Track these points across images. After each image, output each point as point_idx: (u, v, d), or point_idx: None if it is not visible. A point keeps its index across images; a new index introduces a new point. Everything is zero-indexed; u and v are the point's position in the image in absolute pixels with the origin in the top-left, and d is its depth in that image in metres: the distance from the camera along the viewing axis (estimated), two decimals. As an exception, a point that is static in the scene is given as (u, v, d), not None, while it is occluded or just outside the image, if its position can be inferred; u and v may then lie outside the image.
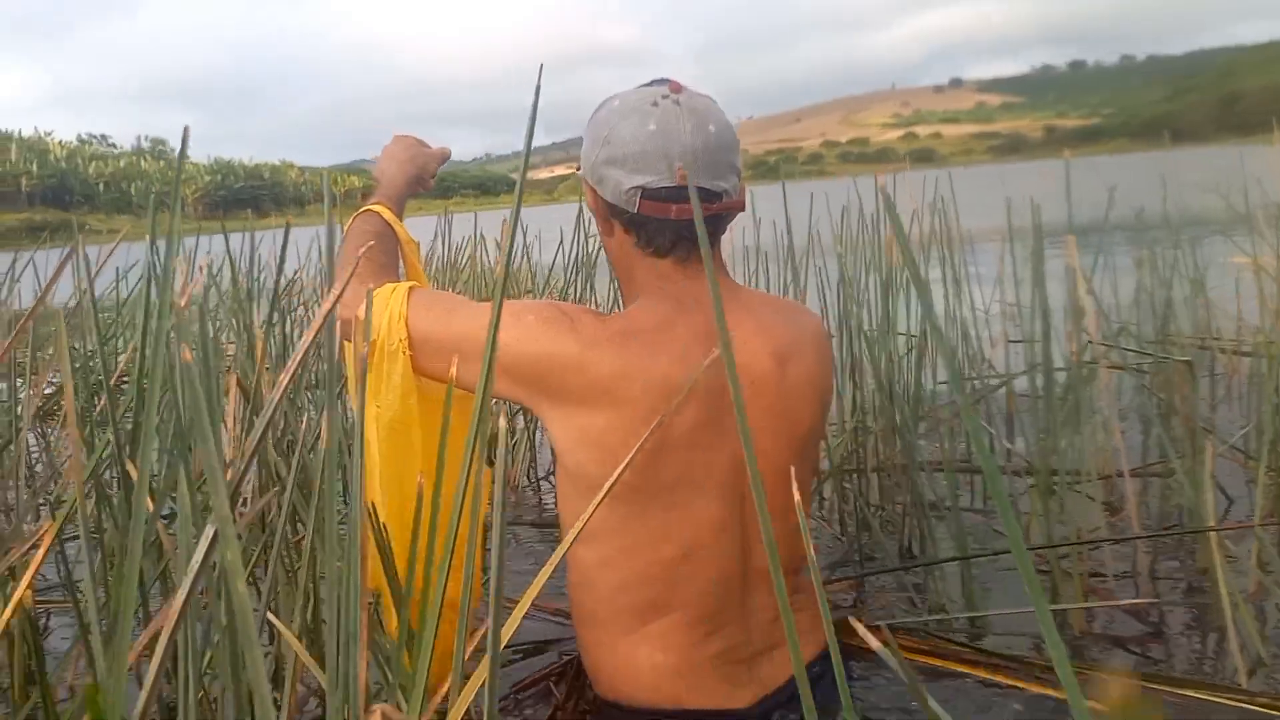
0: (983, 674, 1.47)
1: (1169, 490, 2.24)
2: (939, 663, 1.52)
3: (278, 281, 1.89)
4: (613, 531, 1.23)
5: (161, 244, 1.37)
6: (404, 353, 1.28)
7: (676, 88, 1.26)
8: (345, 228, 1.49)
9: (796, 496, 0.68)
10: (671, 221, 1.23)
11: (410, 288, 1.32)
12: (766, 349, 1.26)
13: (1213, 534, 1.62)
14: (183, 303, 0.74)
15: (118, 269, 3.68)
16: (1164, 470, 2.26)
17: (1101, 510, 2.21)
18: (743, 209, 1.30)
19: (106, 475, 1.48)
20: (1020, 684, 1.43)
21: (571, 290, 3.23)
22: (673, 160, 1.21)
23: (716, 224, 1.28)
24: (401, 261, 1.51)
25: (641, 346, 1.20)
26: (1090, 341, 2.09)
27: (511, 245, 0.82)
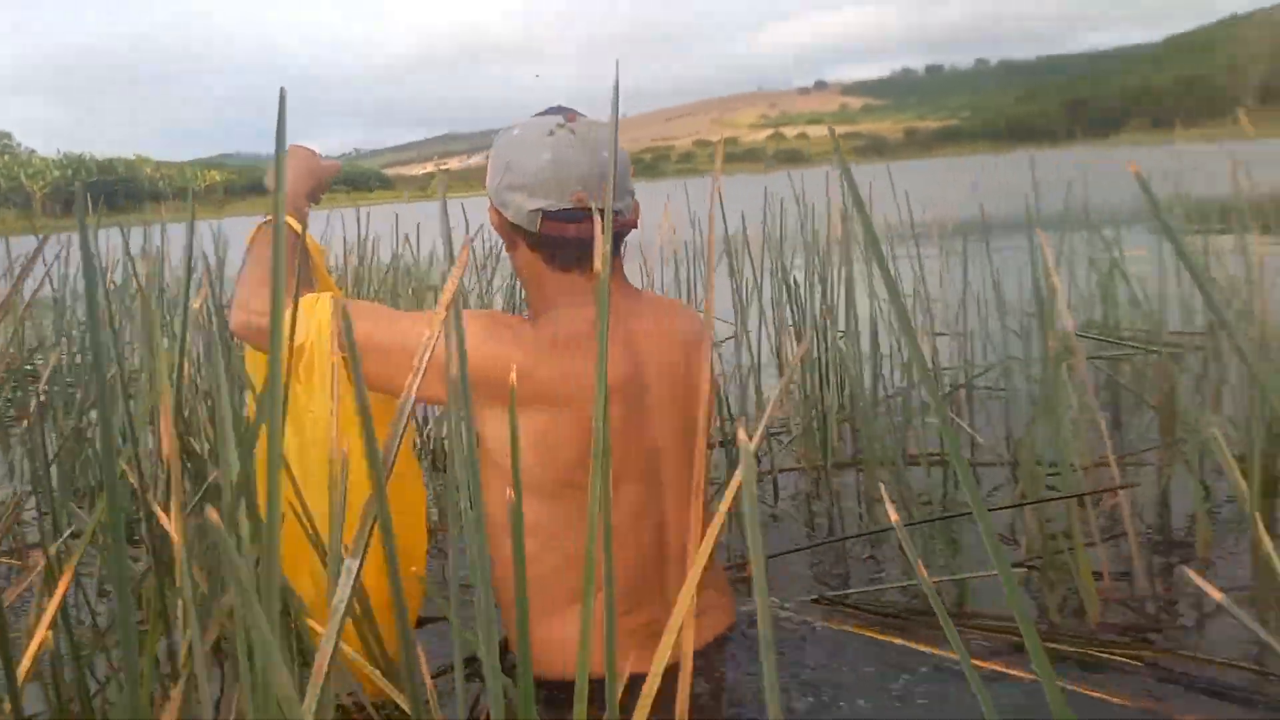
0: (880, 635, 1.71)
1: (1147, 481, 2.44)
2: (845, 628, 1.76)
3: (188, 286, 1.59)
4: (547, 524, 1.41)
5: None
6: (339, 361, 1.36)
7: (572, 117, 1.45)
8: (248, 239, 1.56)
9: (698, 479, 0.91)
10: (573, 239, 1.42)
11: (337, 297, 1.45)
12: (671, 345, 1.49)
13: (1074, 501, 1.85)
14: (196, 304, 0.95)
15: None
16: (1162, 459, 2.48)
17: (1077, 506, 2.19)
18: (636, 226, 1.52)
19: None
20: (911, 644, 1.67)
21: (475, 292, 3.64)
22: (569, 185, 1.40)
23: (614, 240, 1.44)
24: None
25: (577, 351, 1.39)
26: (1067, 333, 2.15)
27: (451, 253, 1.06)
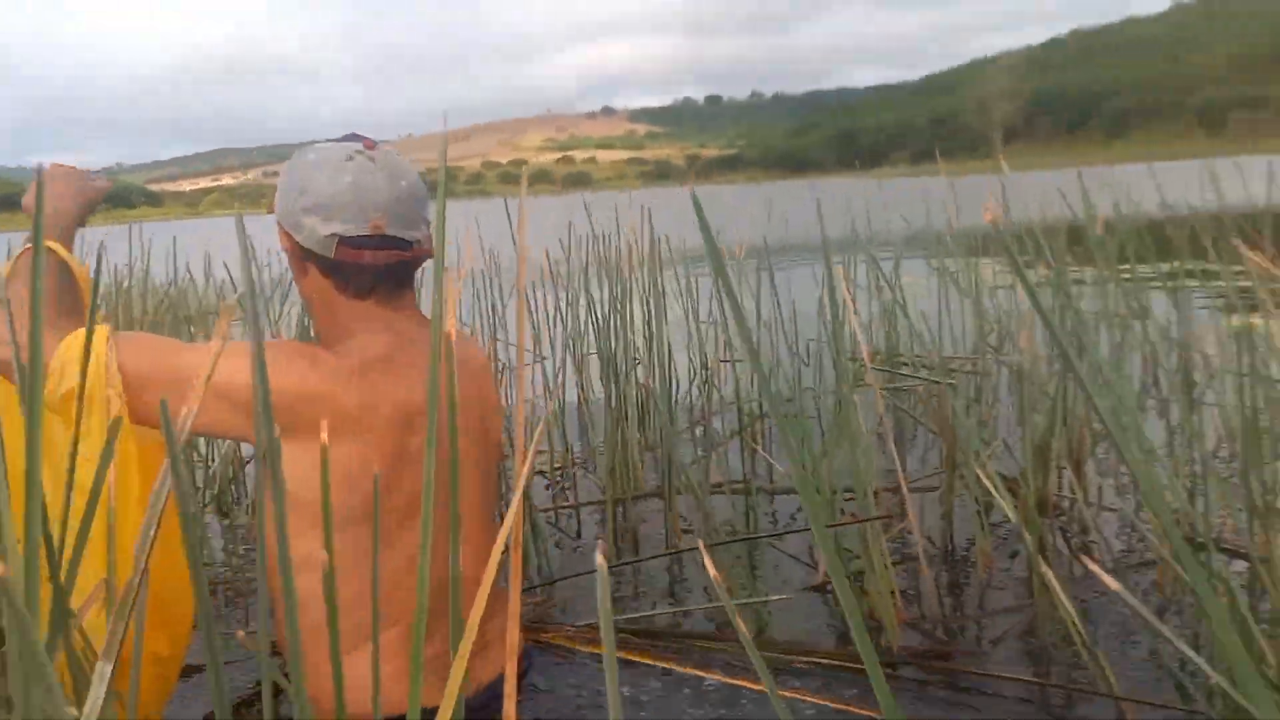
0: (659, 661, 1.78)
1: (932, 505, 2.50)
2: (625, 655, 1.81)
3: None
4: (345, 555, 1.33)
5: None
6: (117, 398, 1.29)
7: (370, 145, 1.43)
8: (5, 269, 1.45)
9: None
10: (368, 266, 1.39)
11: (111, 331, 1.34)
12: (466, 374, 1.49)
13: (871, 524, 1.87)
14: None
15: None
16: (945, 484, 2.48)
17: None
18: (432, 255, 1.41)
19: None
20: (662, 663, 1.75)
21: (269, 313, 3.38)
22: (368, 211, 1.37)
23: (409, 268, 1.45)
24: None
25: (380, 377, 1.35)
26: (858, 363, 2.27)
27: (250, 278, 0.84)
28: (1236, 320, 2.17)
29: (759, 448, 3.26)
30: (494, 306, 3.59)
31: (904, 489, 2.11)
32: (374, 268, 1.39)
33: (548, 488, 3.10)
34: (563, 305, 3.39)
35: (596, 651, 1.84)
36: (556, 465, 3.28)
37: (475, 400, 1.49)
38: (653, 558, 2.42)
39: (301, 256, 1.42)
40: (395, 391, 1.35)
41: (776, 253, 4.01)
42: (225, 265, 4.04)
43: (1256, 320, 2.03)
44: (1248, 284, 1.99)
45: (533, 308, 3.59)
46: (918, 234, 4.21)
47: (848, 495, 2.20)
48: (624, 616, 2.04)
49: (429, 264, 1.57)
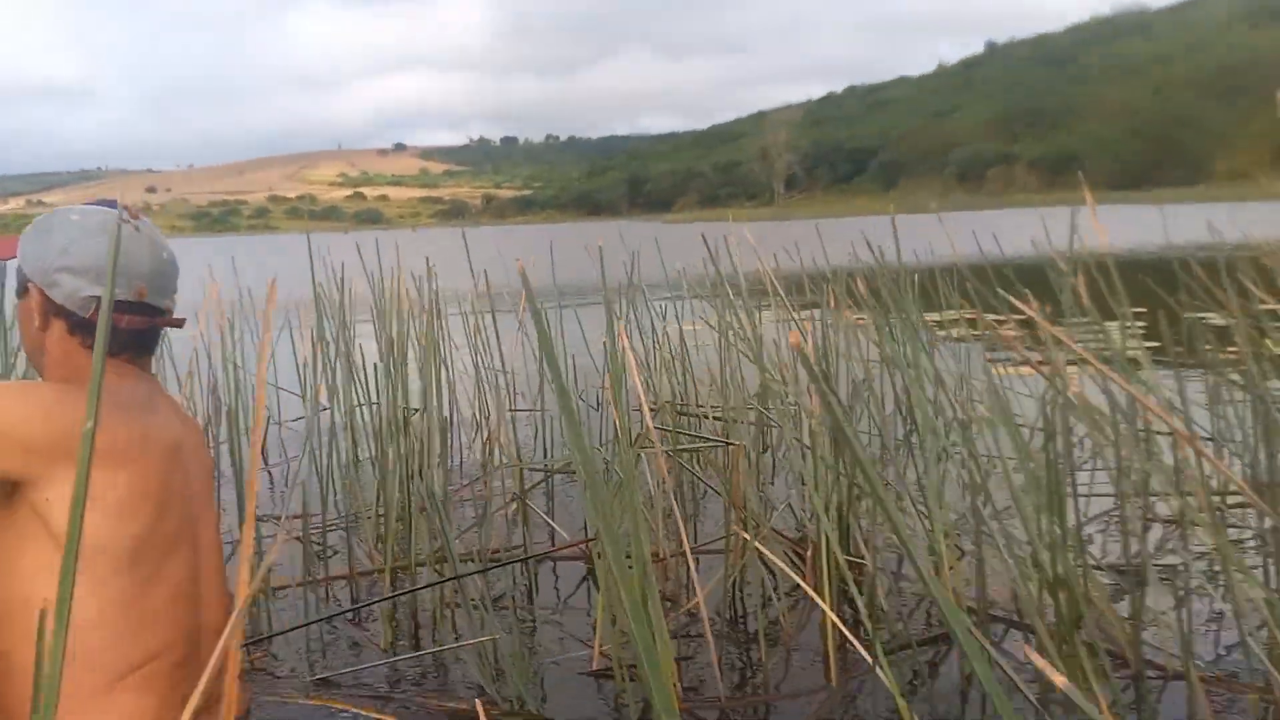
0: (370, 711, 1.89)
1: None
2: (337, 705, 1.96)
3: None
4: (113, 590, 1.43)
5: None
6: None
7: (135, 214, 1.60)
8: None
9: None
10: (123, 330, 1.57)
11: None
12: (195, 428, 1.69)
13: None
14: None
15: None
16: (735, 549, 2.54)
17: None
18: (178, 325, 1.70)
19: None
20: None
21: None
22: (132, 279, 1.55)
23: (158, 334, 1.67)
24: None
25: (140, 413, 1.51)
26: (646, 427, 2.29)
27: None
28: (1006, 369, 2.34)
29: (540, 511, 3.39)
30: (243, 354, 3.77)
31: (689, 556, 2.24)
32: (127, 332, 1.58)
33: (319, 555, 3.15)
34: (331, 351, 3.26)
35: (322, 703, 1.98)
36: (318, 528, 3.27)
37: (203, 452, 1.68)
38: (433, 650, 2.49)
39: (49, 311, 1.57)
40: (161, 431, 1.53)
41: (571, 294, 4.20)
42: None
43: (1024, 370, 2.16)
44: (1012, 333, 2.05)
45: (297, 354, 3.72)
46: (702, 279, 4.07)
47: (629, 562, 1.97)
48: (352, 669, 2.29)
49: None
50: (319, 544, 3.28)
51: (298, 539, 3.23)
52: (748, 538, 2.55)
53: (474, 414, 3.77)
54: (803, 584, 1.97)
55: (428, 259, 4.00)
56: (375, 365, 3.49)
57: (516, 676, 2.18)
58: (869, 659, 1.86)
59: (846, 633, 1.77)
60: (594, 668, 2.33)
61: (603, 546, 2.13)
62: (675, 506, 2.35)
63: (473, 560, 2.81)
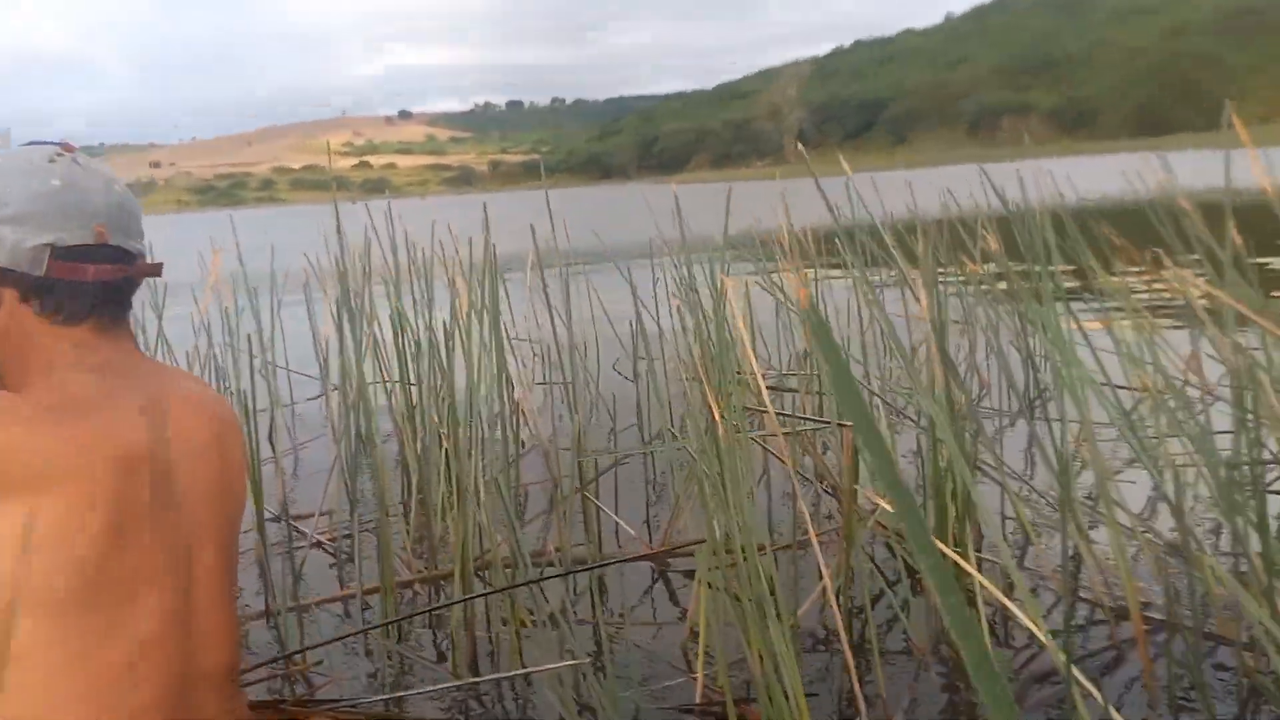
0: None
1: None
2: None
3: None
4: (55, 643, 1.15)
5: None
6: None
7: (70, 148, 1.30)
8: None
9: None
10: (86, 284, 1.23)
11: None
12: (203, 422, 1.32)
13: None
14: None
15: None
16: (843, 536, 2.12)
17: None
18: (156, 273, 1.36)
19: None
20: None
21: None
22: (88, 217, 1.23)
23: (131, 288, 1.31)
24: None
25: (90, 422, 1.18)
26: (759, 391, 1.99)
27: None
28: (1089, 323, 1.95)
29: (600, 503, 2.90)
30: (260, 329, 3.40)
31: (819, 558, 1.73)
32: (94, 286, 1.25)
33: (332, 566, 2.83)
34: (346, 324, 2.91)
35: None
36: (341, 534, 2.91)
37: (214, 453, 1.33)
38: (506, 675, 2.08)
39: None
40: (112, 434, 1.19)
41: (592, 258, 3.79)
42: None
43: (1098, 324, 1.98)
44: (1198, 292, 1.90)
45: (318, 328, 3.40)
46: (739, 237, 3.57)
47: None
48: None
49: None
50: (346, 552, 2.90)
51: (320, 545, 2.96)
52: (885, 528, 2.30)
53: (497, 392, 3.23)
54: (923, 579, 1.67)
55: (446, 227, 3.76)
56: (426, 340, 3.12)
57: (610, 711, 1.79)
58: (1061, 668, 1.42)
59: (1039, 632, 1.38)
60: (699, 701, 1.91)
61: (715, 548, 1.77)
62: (796, 491, 2.08)
63: (546, 564, 2.46)
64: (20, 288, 1.24)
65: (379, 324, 3.35)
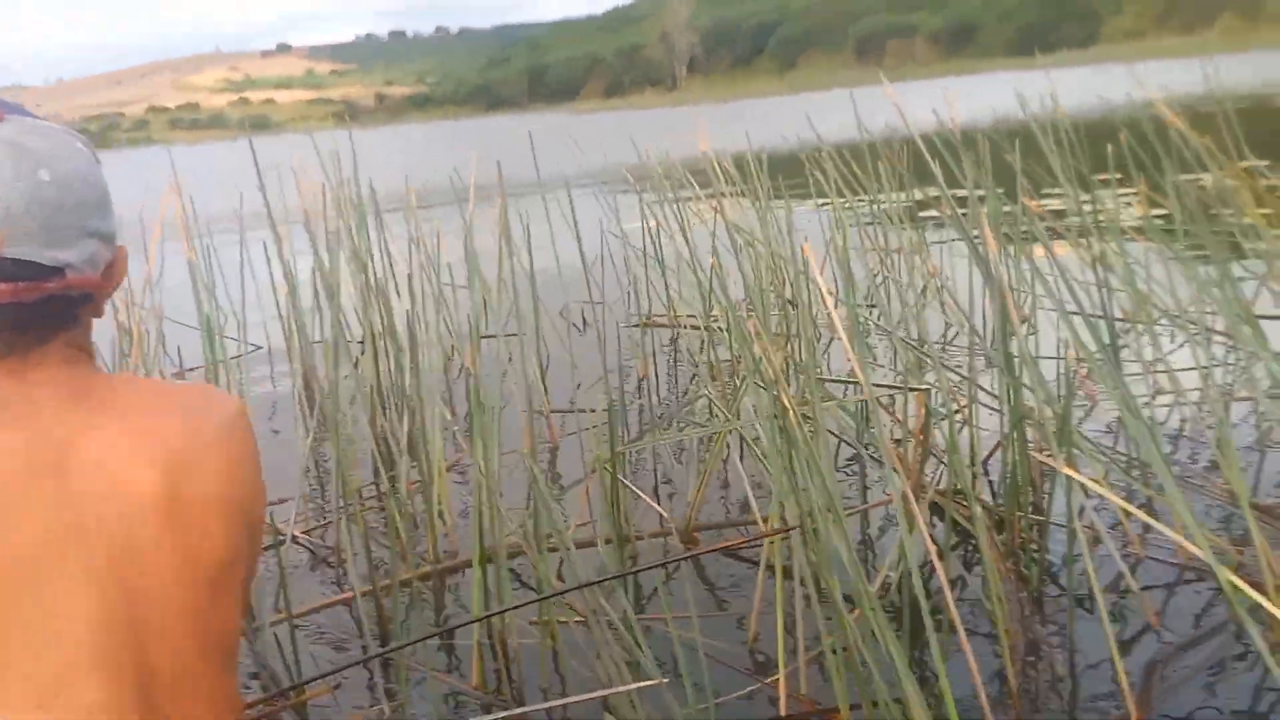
0: None
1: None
2: None
3: None
4: None
5: None
6: None
7: None
8: None
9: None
10: None
11: None
12: (146, 460, 1.05)
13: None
14: None
15: None
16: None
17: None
18: (104, 286, 1.09)
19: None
20: None
21: None
22: None
23: (49, 310, 1.05)
24: None
25: None
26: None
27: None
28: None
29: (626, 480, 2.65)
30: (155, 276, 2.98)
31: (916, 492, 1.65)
32: (7, 310, 0.99)
33: (313, 568, 2.59)
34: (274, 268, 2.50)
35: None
36: (319, 522, 2.64)
37: (159, 507, 1.03)
38: (578, 699, 1.91)
39: None
40: (18, 515, 0.96)
41: (503, 191, 3.56)
42: None
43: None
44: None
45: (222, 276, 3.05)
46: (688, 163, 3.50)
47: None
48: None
49: None
50: (329, 546, 2.70)
51: (298, 541, 2.76)
52: (959, 505, 2.23)
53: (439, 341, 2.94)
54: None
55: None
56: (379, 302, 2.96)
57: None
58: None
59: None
60: (784, 713, 1.81)
61: (805, 536, 1.67)
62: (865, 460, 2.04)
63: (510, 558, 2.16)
64: None
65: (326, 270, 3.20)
